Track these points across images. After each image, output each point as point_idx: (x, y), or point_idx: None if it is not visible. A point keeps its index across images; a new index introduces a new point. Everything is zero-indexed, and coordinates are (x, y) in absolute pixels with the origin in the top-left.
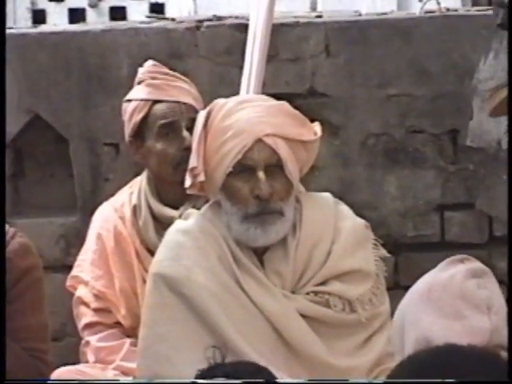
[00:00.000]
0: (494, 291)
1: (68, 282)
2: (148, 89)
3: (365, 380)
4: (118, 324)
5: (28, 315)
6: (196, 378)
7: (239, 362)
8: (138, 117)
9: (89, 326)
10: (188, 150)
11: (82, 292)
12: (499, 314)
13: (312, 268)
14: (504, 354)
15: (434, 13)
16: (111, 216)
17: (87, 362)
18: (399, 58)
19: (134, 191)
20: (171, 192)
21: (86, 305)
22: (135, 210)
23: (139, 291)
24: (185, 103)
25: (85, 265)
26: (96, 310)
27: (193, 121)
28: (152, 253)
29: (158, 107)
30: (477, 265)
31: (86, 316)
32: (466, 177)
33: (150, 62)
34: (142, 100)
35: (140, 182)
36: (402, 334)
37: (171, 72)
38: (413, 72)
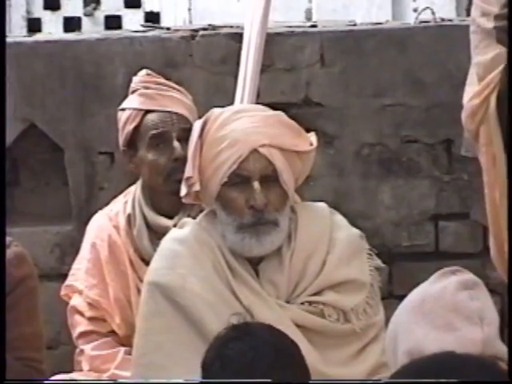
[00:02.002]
0: (485, 302)
1: (62, 291)
2: (140, 98)
3: (365, 380)
4: (112, 333)
5: (23, 324)
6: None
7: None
8: (131, 126)
9: (83, 334)
10: (178, 160)
11: (76, 301)
12: (491, 325)
13: (307, 278)
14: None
15: (428, 23)
16: (106, 225)
17: (82, 370)
18: (394, 67)
19: (128, 200)
20: (165, 201)
21: (81, 314)
22: (129, 219)
23: (133, 300)
24: (176, 113)
25: (79, 274)
26: (90, 319)
27: (184, 131)
28: (146, 262)
29: (150, 117)
30: (469, 276)
31: (80, 325)
32: (461, 187)
33: (143, 72)
34: (134, 109)
35: (134, 191)
36: (394, 345)
37: (165, 81)
38: (407, 82)
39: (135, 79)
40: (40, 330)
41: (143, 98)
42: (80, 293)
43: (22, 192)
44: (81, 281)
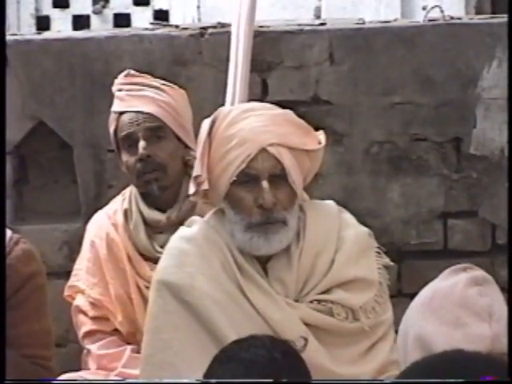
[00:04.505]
0: (495, 299)
1: (66, 292)
2: (116, 101)
3: (366, 380)
4: (116, 331)
5: (31, 321)
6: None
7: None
8: (111, 129)
9: (88, 334)
10: (143, 161)
11: (79, 301)
12: (501, 321)
13: (315, 276)
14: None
15: (437, 21)
16: (104, 223)
17: (90, 369)
18: (403, 65)
19: (125, 198)
20: (156, 197)
21: (84, 313)
22: (126, 214)
23: (133, 297)
24: (143, 112)
25: (81, 274)
26: (94, 319)
27: (151, 130)
28: (144, 256)
29: (122, 119)
30: (479, 273)
31: (85, 325)
32: (470, 185)
33: (123, 73)
34: (113, 112)
35: (131, 188)
36: (405, 341)
37: (142, 80)
38: (416, 80)
39: (115, 81)
40: (48, 328)
41: (118, 101)
42: (83, 292)
43: (30, 190)
44: (82, 280)
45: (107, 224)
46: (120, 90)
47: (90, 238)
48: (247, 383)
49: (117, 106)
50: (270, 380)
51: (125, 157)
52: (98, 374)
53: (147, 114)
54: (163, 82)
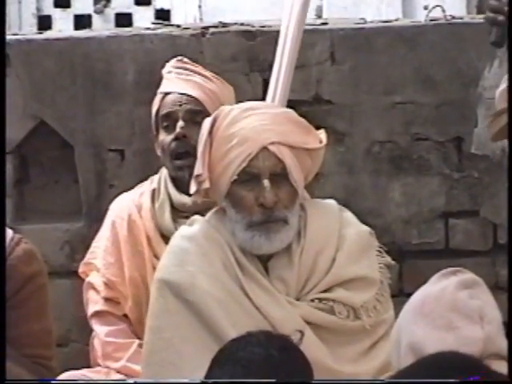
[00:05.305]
0: (486, 301)
1: (81, 269)
2: (164, 82)
3: (366, 380)
4: (126, 316)
5: (32, 321)
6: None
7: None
8: (154, 109)
9: (98, 314)
10: (177, 140)
11: (93, 278)
12: (492, 323)
13: (316, 275)
14: (500, 363)
15: (439, 20)
16: (127, 204)
17: (95, 353)
18: (404, 65)
19: (154, 181)
20: (185, 181)
21: (97, 291)
22: (154, 194)
23: (149, 279)
24: (188, 95)
25: (98, 252)
26: (106, 300)
27: (191, 112)
28: (165, 238)
29: (166, 99)
30: (469, 276)
31: (95, 304)
32: (471, 184)
33: (175, 58)
34: (159, 93)
35: (161, 172)
36: (397, 347)
37: (192, 67)
38: (418, 79)
39: (166, 64)
40: (50, 327)
41: (166, 82)
42: (98, 271)
43: (32, 189)
44: (100, 259)
45: (130, 205)
46: (170, 72)
47: (111, 218)
48: (245, 383)
49: (163, 87)
50: (268, 380)
51: (161, 136)
52: (99, 373)
53: (191, 97)
54: (214, 74)
